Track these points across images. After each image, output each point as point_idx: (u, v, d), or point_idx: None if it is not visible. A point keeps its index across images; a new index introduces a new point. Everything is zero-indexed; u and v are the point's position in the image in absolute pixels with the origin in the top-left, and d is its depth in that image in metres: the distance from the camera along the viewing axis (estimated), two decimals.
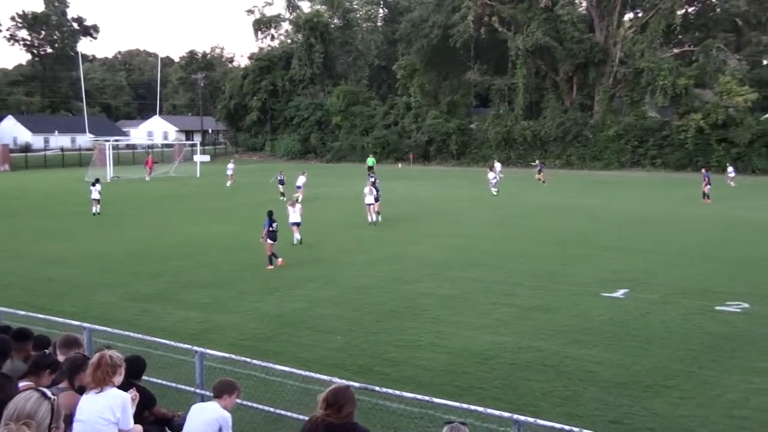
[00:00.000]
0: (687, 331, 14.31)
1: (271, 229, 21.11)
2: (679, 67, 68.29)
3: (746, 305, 16.35)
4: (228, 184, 49.86)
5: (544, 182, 51.55)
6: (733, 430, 9.76)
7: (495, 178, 44.62)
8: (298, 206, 26.20)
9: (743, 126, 63.03)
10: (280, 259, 21.20)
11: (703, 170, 43.96)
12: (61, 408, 4.05)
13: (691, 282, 18.94)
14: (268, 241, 21.08)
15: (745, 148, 62.85)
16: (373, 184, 31.78)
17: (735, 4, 75.47)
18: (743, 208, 35.96)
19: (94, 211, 34.29)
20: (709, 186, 40.31)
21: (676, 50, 75.58)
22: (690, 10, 78.90)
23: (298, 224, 25.57)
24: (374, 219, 30.46)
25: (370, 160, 62.87)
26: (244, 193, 45.09)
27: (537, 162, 59.25)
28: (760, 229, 28.43)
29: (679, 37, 77.52)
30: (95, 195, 34.46)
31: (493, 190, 43.40)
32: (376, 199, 30.74)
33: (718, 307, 16.19)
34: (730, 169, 52.19)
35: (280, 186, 41.67)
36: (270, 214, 21.49)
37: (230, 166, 52.72)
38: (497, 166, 52.06)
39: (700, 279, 19.33)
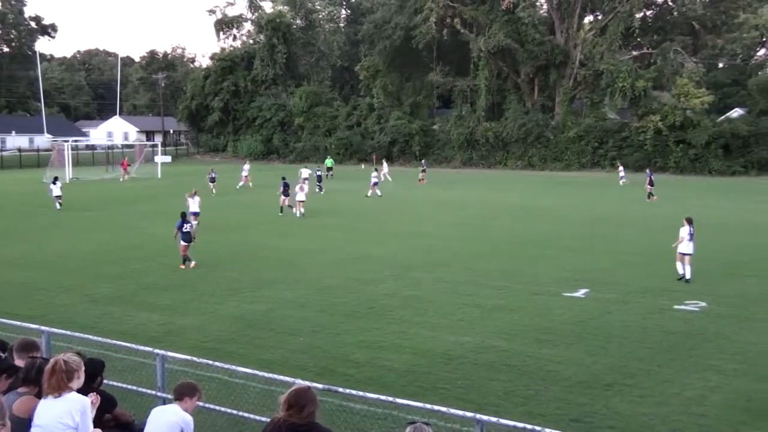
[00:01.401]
0: (646, 330, 14.53)
1: (184, 230, 21.15)
2: (638, 70, 69.39)
3: (704, 304, 16.67)
4: (240, 184, 49.45)
5: (424, 182, 53.24)
6: (691, 427, 9.93)
7: (377, 178, 44.73)
8: (197, 198, 29.40)
9: (700, 128, 64.25)
10: (192, 262, 21.06)
11: (647, 170, 45.88)
12: (4, 406, 4.01)
13: (650, 281, 19.23)
14: (181, 242, 21.13)
15: (702, 150, 64.04)
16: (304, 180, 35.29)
17: (692, 8, 76.93)
18: (698, 208, 36.61)
19: (58, 207, 36.04)
20: (651, 186, 41.81)
21: (634, 53, 76.73)
22: (648, 13, 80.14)
23: (196, 214, 28.31)
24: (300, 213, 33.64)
25: (329, 161, 63.02)
26: (203, 194, 44.64)
27: (424, 162, 62.47)
28: (718, 228, 28.99)
29: (638, 39, 78.69)
30: (57, 192, 36.49)
31: (377, 191, 43.43)
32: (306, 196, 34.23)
33: (676, 306, 16.47)
34: (620, 168, 55.08)
35: (211, 183, 44.90)
36: (183, 215, 21.95)
37: (245, 167, 51.82)
38: (384, 166, 52.74)
39: (658, 278, 19.63)
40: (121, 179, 58.40)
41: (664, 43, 74.39)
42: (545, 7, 79.07)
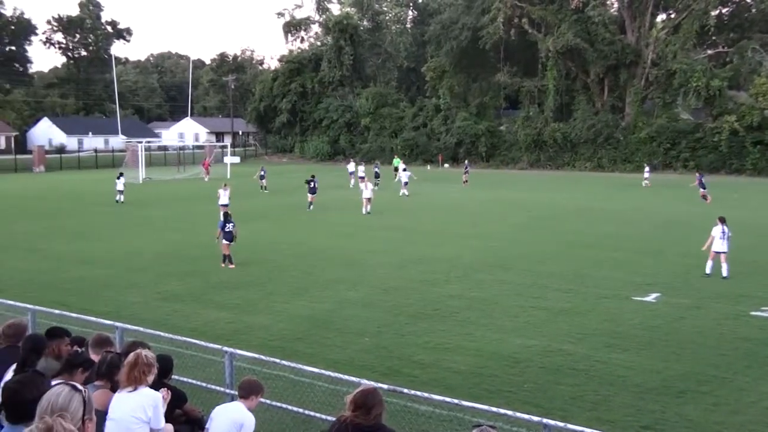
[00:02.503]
0: (721, 337, 14.10)
1: (226, 229, 21.39)
2: (713, 69, 67.47)
3: None
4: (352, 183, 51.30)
5: (467, 183, 52.85)
6: None
7: (407, 176, 45.36)
8: (228, 190, 32.57)
9: None
10: (232, 265, 21.19)
11: (697, 174, 44.76)
12: (92, 400, 4.12)
13: (724, 286, 18.67)
14: (224, 241, 21.36)
15: None
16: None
17: None
18: None
19: (117, 199, 40.14)
20: (703, 189, 40.97)
21: (709, 51, 74.62)
22: (724, 10, 77.78)
23: (225, 206, 30.77)
24: (367, 210, 34.83)
25: (396, 161, 63.27)
26: (275, 194, 45.31)
27: (466, 162, 62.34)
28: None
29: (713, 38, 76.49)
30: (120, 186, 40.54)
31: (405, 191, 43.99)
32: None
33: (753, 313, 15.93)
34: (646, 169, 53.74)
35: (262, 180, 47.89)
36: (225, 215, 22.29)
37: (361, 168, 53.28)
38: (401, 166, 52.54)
39: (733, 283, 19.04)
40: (205, 179, 59.33)
41: (742, 41, 72.09)
42: (616, 5, 77.58)
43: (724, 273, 19.69)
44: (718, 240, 19.97)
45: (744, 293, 17.84)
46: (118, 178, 41.19)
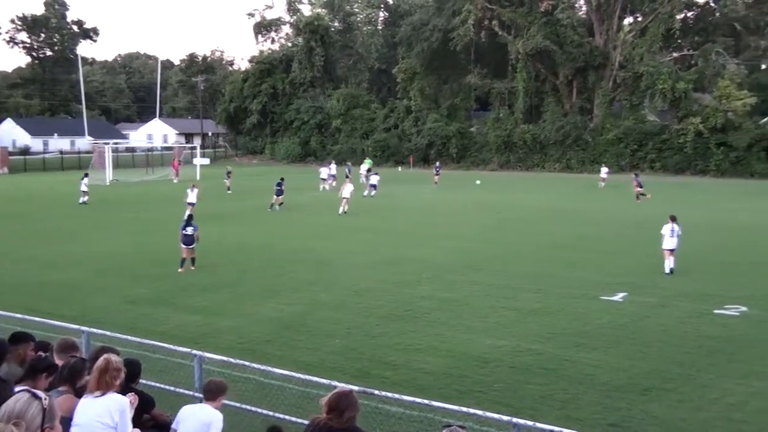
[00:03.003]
0: (685, 335, 14.33)
1: (185, 232, 20.97)
2: (679, 71, 68.38)
3: (744, 309, 16.39)
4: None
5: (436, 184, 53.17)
6: None
7: (377, 180, 45.61)
8: (196, 190, 33.39)
9: (742, 130, 63.16)
10: (193, 267, 20.93)
11: (633, 174, 47.29)
12: (55, 408, 4.05)
13: (689, 285, 18.96)
14: (182, 245, 21.00)
15: (744, 152, 62.94)
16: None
17: (734, 8, 75.65)
18: (740, 212, 36.04)
19: (81, 200, 40.03)
20: (640, 188, 42.61)
21: (675, 54, 75.71)
22: (689, 14, 78.95)
23: (192, 204, 32.11)
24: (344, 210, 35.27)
25: (368, 162, 63.36)
26: (244, 196, 45.09)
27: (437, 163, 63.16)
28: (759, 232, 28.50)
29: (679, 41, 77.56)
30: (83, 187, 40.36)
31: (372, 192, 44.58)
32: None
33: (716, 311, 16.21)
34: (604, 169, 54.58)
35: (226, 181, 47.88)
36: (189, 218, 21.97)
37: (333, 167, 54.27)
38: (364, 168, 54.04)
39: (698, 282, 19.36)
40: (174, 180, 59.03)
41: (706, 44, 73.24)
42: (584, 8, 78.35)
43: (667, 269, 20.52)
44: (668, 238, 20.80)
45: (707, 292, 18.14)
46: (83, 178, 41.32)
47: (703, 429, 9.90)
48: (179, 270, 20.86)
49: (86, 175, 42.64)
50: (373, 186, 45.04)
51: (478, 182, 44.66)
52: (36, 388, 5.53)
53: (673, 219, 21.12)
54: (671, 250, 20.73)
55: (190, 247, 21.00)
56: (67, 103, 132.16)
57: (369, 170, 59.17)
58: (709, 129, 63.91)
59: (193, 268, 21.00)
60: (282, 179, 38.29)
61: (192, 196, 33.23)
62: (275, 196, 37.09)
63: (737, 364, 12.56)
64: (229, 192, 46.58)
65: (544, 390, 11.32)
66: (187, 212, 29.00)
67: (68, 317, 14.04)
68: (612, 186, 52.32)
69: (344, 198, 35.44)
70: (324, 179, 49.97)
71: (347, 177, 43.42)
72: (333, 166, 54.85)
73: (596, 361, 12.69)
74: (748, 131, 62.84)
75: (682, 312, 16.13)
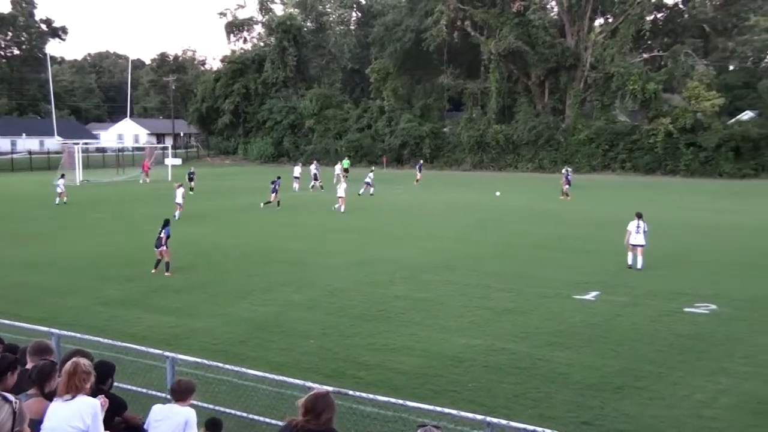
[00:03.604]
0: (656, 333, 14.49)
1: (160, 235, 20.60)
2: (649, 72, 69.21)
3: (714, 307, 16.61)
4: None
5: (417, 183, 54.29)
6: (701, 430, 9.89)
7: (370, 178, 46.19)
8: (181, 190, 33.56)
9: (711, 130, 64.05)
10: (154, 270, 20.66)
11: (566, 169, 49.30)
12: (25, 412, 4.01)
13: (660, 284, 19.18)
14: (156, 248, 20.71)
15: (713, 152, 63.84)
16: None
17: (702, 10, 76.75)
18: (708, 212, 36.53)
19: (57, 201, 39.57)
20: (567, 186, 44.24)
21: (645, 55, 76.61)
22: (659, 16, 79.94)
23: (179, 204, 32.84)
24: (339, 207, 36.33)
25: (345, 162, 63.35)
26: (214, 196, 44.82)
27: (420, 162, 64.48)
28: (729, 231, 28.92)
29: (648, 42, 78.51)
30: (59, 189, 40.06)
31: (371, 190, 45.25)
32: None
33: (686, 309, 16.41)
34: (567, 170, 54.51)
35: (191, 182, 47.05)
36: (165, 221, 21.09)
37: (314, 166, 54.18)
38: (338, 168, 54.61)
39: (668, 281, 19.58)
40: (146, 180, 58.85)
41: (675, 45, 74.21)
42: (556, 9, 78.96)
43: (639, 265, 21.20)
44: (634, 234, 21.44)
45: (678, 290, 18.36)
46: (59, 179, 41.20)
47: (674, 426, 10.02)
48: (153, 271, 20.66)
49: (62, 176, 42.43)
50: (368, 183, 45.52)
51: (498, 193, 44.93)
52: (5, 388, 5.46)
53: (639, 216, 21.69)
54: (636, 246, 21.39)
55: (159, 249, 20.71)
56: (36, 102, 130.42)
57: (346, 170, 59.34)
58: (678, 129, 64.74)
59: (154, 270, 20.67)
60: (278, 177, 38.85)
61: (178, 196, 33.43)
62: (272, 194, 37.60)
63: (707, 362, 12.73)
64: (192, 193, 45.78)
65: (517, 389, 11.38)
66: (178, 213, 32.35)
67: (38, 319, 13.86)
68: (586, 186, 52.73)
69: (340, 197, 36.29)
70: (296, 177, 50.15)
71: (336, 175, 44.30)
72: (315, 164, 54.92)
73: (569, 360, 12.79)
74: (717, 131, 63.72)
75: (653, 310, 16.31)
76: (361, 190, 44.93)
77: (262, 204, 37.46)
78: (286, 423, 5.80)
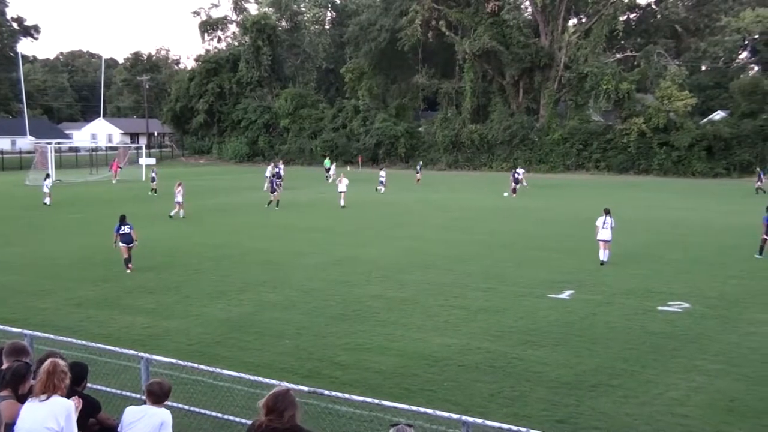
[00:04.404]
0: (630, 331, 14.61)
1: (121, 232, 20.70)
2: (622, 72, 69.86)
3: (687, 305, 16.79)
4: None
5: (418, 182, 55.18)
6: (674, 427, 9.99)
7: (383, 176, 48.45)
8: (181, 188, 33.79)
9: (683, 130, 64.81)
10: (131, 266, 20.68)
11: (518, 169, 51.00)
12: (1, 415, 3.96)
13: (634, 282, 19.35)
14: (121, 244, 20.70)
15: (685, 152, 64.62)
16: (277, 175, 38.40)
17: (675, 11, 77.65)
18: (681, 210, 36.96)
19: (46, 201, 39.30)
20: (516, 185, 45.91)
21: (618, 55, 77.35)
22: (632, 16, 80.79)
23: (179, 203, 33.53)
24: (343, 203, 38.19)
25: (327, 162, 63.75)
26: (189, 196, 44.48)
27: (420, 163, 66.06)
28: (701, 230, 29.27)
29: (622, 42, 79.29)
30: (45, 189, 40.12)
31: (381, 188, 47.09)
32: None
33: (660, 308, 16.57)
34: (520, 170, 55.33)
35: (152, 183, 47.22)
36: (121, 218, 21.12)
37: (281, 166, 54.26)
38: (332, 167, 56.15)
39: (642, 279, 19.76)
40: (113, 180, 58.52)
41: (648, 45, 75.06)
42: (530, 10, 79.43)
43: (605, 258, 21.96)
44: (601, 229, 22.05)
45: (651, 289, 18.54)
46: (45, 179, 41.77)
47: (648, 423, 10.11)
48: (127, 270, 20.54)
49: (48, 176, 42.98)
50: (382, 182, 47.72)
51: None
52: None
53: (607, 212, 22.28)
54: (605, 241, 21.99)
55: (130, 246, 20.72)
56: (8, 101, 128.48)
57: (328, 170, 60.08)
58: (651, 129, 65.45)
59: (130, 267, 20.67)
60: (279, 177, 39.17)
61: (178, 195, 33.54)
62: (270, 194, 38.09)
63: (680, 360, 12.86)
64: (155, 194, 45.44)
65: (492, 388, 11.42)
66: (176, 211, 33.19)
67: (10, 320, 13.67)
68: (560, 185, 53.05)
69: (341, 192, 38.23)
70: (267, 176, 50.00)
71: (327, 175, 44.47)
72: (281, 165, 54.92)
73: (544, 359, 12.86)
74: (689, 131, 64.49)
75: (627, 309, 16.45)
76: (381, 189, 47.47)
77: (266, 205, 37.59)
78: (250, 425, 5.78)
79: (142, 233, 28.35)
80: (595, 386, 11.49)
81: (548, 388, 11.38)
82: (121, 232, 20.71)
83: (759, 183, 48.33)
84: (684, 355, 13.12)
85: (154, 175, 48.55)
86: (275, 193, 37.80)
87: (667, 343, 13.85)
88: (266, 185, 49.04)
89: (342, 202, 38.16)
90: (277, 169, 50.75)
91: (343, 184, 38.69)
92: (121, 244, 20.72)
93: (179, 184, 34.13)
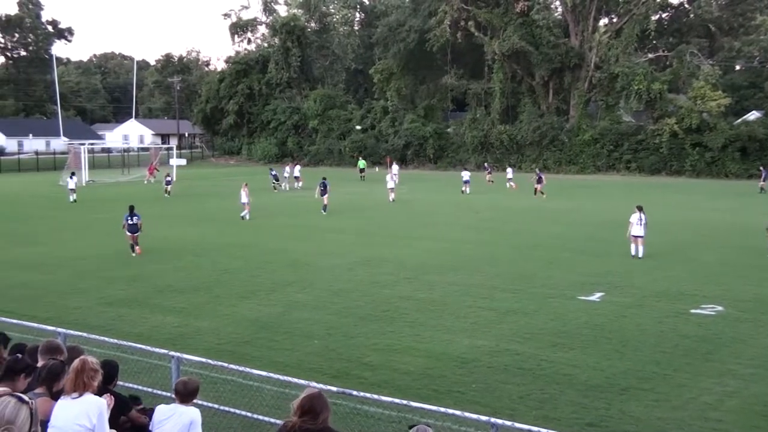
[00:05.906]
0: (662, 334, 14.43)
1: (130, 222, 23.50)
2: (654, 72, 68.98)
3: (720, 308, 16.54)
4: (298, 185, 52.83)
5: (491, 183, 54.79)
6: None
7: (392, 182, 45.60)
8: (247, 189, 33.57)
9: (717, 130, 63.81)
10: (137, 248, 23.44)
11: (537, 170, 50.71)
12: (38, 413, 4.02)
13: (666, 285, 19.12)
14: (127, 233, 23.55)
15: (719, 153, 63.64)
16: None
17: (708, 10, 76.50)
18: (714, 211, 36.45)
19: (71, 199, 40.93)
20: (541, 184, 44.84)
21: (650, 55, 76.35)
22: (664, 15, 79.77)
23: (245, 203, 33.23)
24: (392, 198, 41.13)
25: (362, 163, 64.12)
26: (219, 197, 44.84)
27: (486, 164, 65.13)
28: (736, 232, 28.84)
29: (654, 42, 78.30)
30: (71, 186, 41.78)
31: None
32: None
33: (692, 310, 16.35)
34: (509, 170, 55.25)
35: (168, 186, 47.07)
36: (130, 208, 23.98)
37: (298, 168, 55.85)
38: (394, 167, 55.53)
39: (674, 282, 19.52)
40: (145, 181, 59.55)
41: (680, 45, 74.01)
42: (560, 9, 78.83)
43: (640, 254, 22.88)
44: (636, 226, 22.97)
45: (683, 291, 18.31)
46: (70, 177, 42.81)
47: (680, 428, 9.98)
48: (133, 254, 23.17)
49: (73, 174, 44.15)
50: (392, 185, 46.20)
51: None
52: (14, 389, 5.47)
53: (640, 209, 23.20)
54: (638, 237, 22.93)
55: (136, 234, 23.48)
56: (42, 103, 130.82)
57: (362, 170, 60.51)
58: (684, 130, 64.55)
59: (137, 249, 23.34)
60: (324, 179, 37.52)
61: (243, 196, 33.53)
62: (321, 196, 36.37)
63: (713, 364, 12.68)
64: (168, 196, 45.46)
65: (522, 390, 11.35)
66: (245, 213, 33.14)
67: (44, 319, 13.89)
68: (591, 186, 52.60)
69: (389, 189, 41.30)
70: (285, 177, 52.46)
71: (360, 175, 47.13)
72: (298, 167, 56.11)
73: (574, 361, 12.75)
74: (723, 132, 63.50)
75: (658, 311, 16.25)
76: (466, 190, 47.66)
77: (323, 210, 35.83)
78: (282, 425, 5.77)
79: (173, 233, 28.72)
80: (625, 389, 11.37)
81: (578, 391, 11.29)
82: (129, 222, 23.40)
83: (762, 183, 48.69)
84: (717, 359, 12.93)
85: (169, 178, 48.38)
86: (325, 196, 36.12)
87: (700, 346, 13.66)
88: (284, 184, 50.20)
89: (391, 197, 41.01)
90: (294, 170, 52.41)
91: (392, 181, 41.66)
92: (128, 233, 23.41)
93: (245, 185, 33.99)
